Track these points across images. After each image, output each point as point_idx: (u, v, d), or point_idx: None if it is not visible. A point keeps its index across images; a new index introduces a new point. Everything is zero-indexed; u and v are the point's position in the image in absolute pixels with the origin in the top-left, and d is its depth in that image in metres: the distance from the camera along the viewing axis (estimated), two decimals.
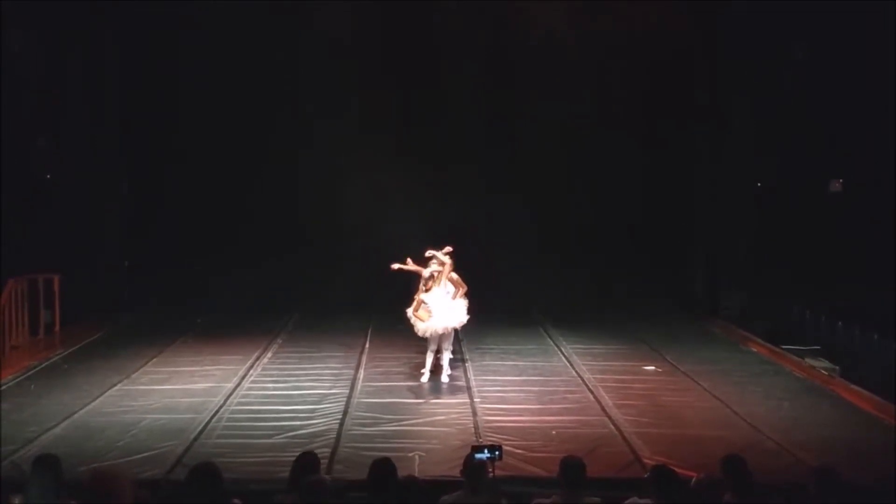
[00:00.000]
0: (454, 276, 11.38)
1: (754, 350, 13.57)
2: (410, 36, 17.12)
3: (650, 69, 17.09)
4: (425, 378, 11.29)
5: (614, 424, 9.50)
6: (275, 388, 10.96)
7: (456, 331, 12.08)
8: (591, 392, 10.78)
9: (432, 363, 11.35)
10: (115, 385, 11.00)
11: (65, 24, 15.56)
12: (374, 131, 16.83)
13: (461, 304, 11.49)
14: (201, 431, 9.20)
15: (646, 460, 8.24)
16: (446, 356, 11.43)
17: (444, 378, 11.32)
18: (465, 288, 11.73)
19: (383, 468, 5.79)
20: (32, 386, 11.11)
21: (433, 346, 11.31)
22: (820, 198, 16.17)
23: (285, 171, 17.35)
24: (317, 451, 7.21)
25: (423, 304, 11.17)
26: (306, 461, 6.25)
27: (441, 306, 11.16)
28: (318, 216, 17.41)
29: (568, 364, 12.26)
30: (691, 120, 17.41)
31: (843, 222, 15.44)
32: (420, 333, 11.28)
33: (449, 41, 17.17)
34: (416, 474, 7.22)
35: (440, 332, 11.20)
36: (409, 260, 11.58)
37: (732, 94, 16.56)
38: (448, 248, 11.43)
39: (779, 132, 16.07)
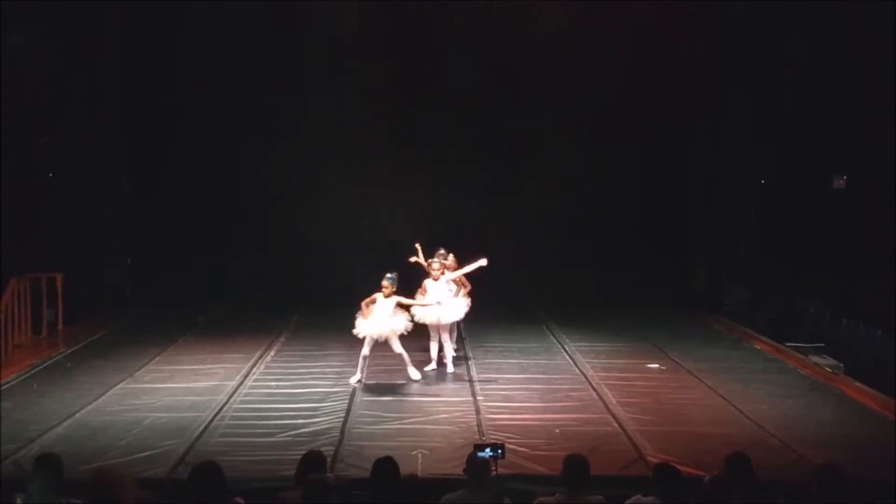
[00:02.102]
0: (457, 274, 11.46)
1: (757, 347, 13.55)
2: (410, 35, 17.10)
3: (650, 68, 17.06)
4: (430, 367, 11.46)
5: (618, 422, 9.49)
6: (278, 387, 10.94)
7: (459, 329, 12.13)
8: (595, 390, 10.76)
9: (437, 357, 11.50)
10: (117, 384, 10.99)
11: (65, 24, 15.54)
12: (374, 131, 16.81)
13: (462, 303, 11.57)
14: (204, 430, 9.18)
15: (649, 458, 8.22)
16: (449, 350, 11.51)
17: (450, 368, 11.48)
18: (468, 287, 11.77)
19: (386, 466, 5.80)
20: (35, 385, 11.10)
21: (434, 337, 11.48)
22: (822, 194, 16.14)
23: (287, 170, 17.29)
24: (320, 449, 7.20)
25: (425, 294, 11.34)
26: (312, 459, 6.25)
27: (440, 300, 11.26)
28: (319, 215, 17.37)
29: (571, 362, 12.25)
30: (691, 118, 17.38)
31: (846, 218, 15.41)
32: (417, 319, 11.30)
33: (449, 40, 17.14)
34: (419, 473, 7.21)
35: (442, 323, 11.34)
36: (416, 247, 11.71)
37: (732, 93, 16.54)
38: (441, 251, 11.59)
39: (779, 130, 16.04)
